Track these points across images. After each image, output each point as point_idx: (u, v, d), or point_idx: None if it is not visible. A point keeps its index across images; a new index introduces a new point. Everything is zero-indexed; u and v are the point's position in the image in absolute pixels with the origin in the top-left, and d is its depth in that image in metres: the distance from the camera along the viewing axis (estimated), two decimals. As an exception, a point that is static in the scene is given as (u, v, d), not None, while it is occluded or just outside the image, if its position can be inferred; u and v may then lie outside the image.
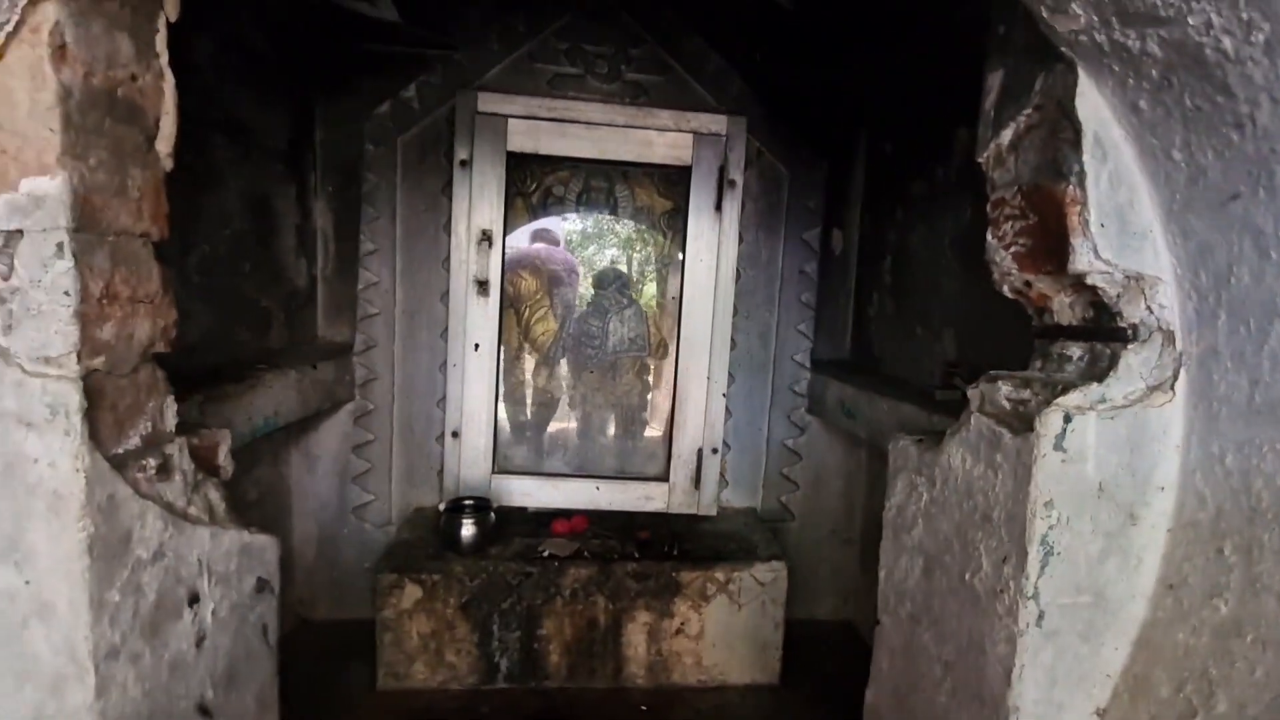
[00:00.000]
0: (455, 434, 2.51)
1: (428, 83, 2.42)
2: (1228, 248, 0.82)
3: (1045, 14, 0.85)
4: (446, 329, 2.48)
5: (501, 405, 2.63)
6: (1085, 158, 0.89)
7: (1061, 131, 0.93)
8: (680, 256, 2.58)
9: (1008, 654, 0.98)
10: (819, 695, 2.29)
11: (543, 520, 2.49)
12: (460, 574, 2.20)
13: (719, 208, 2.48)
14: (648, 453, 2.76)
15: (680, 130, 2.44)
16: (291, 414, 2.09)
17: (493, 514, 2.35)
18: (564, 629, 2.25)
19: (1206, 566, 0.90)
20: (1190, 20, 0.71)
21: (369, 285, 2.48)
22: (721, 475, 2.67)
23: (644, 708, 2.21)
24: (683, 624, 2.28)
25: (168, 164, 1.00)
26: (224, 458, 1.21)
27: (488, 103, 2.36)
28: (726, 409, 2.62)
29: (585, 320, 2.75)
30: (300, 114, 2.36)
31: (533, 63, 2.44)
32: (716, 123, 2.44)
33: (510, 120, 2.38)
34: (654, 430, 2.78)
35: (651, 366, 2.78)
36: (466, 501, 2.40)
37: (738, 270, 2.55)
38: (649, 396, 2.79)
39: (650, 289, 2.80)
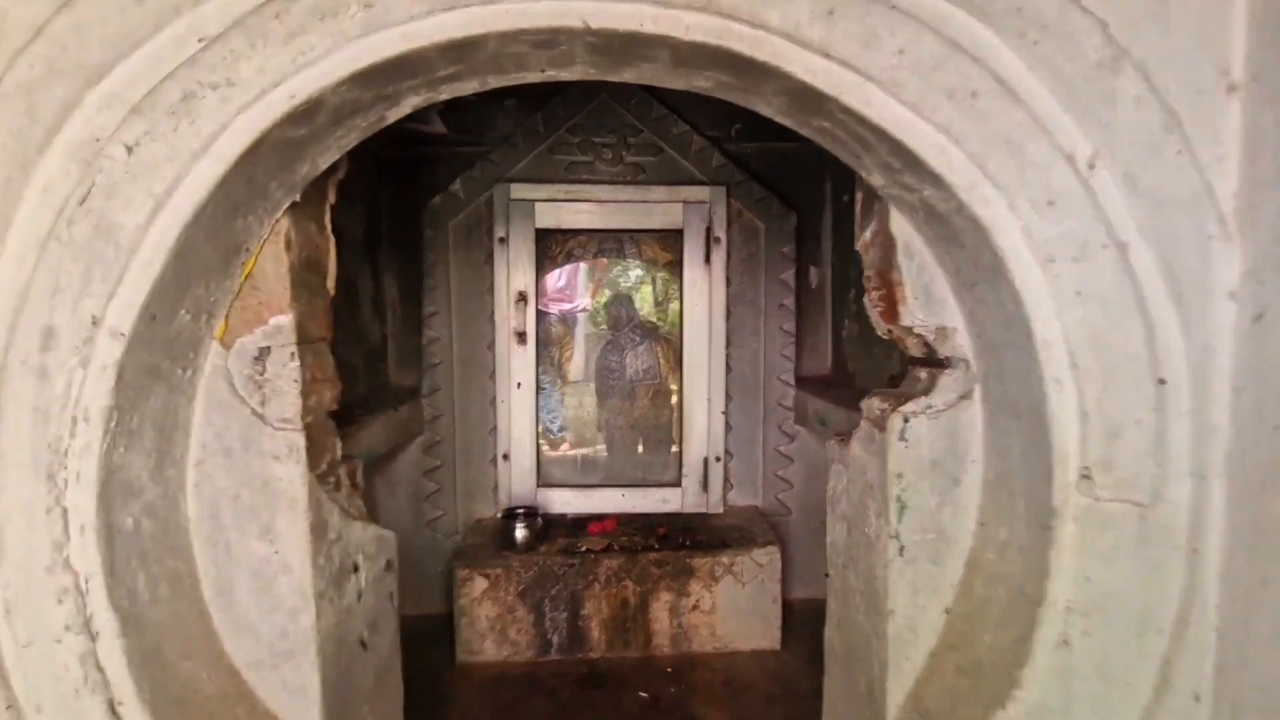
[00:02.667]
0: (505, 456, 3.09)
1: (470, 177, 3.04)
2: (982, 310, 1.35)
3: (864, 176, 1.40)
4: (494, 372, 3.08)
5: (542, 430, 3.20)
6: (899, 259, 1.43)
7: (889, 240, 1.46)
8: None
9: (885, 576, 1.50)
10: (813, 656, 2.78)
11: (580, 523, 3.05)
12: (517, 568, 2.76)
13: (708, 260, 3.04)
14: (663, 463, 3.30)
15: (672, 201, 3.02)
16: (380, 447, 2.68)
17: (539, 519, 2.91)
18: (601, 609, 2.79)
19: (998, 509, 1.41)
20: (924, 190, 1.25)
21: (431, 340, 3.09)
22: (725, 479, 3.20)
23: (669, 670, 2.73)
24: (697, 601, 2.81)
25: (331, 292, 1.60)
26: (359, 478, 1.80)
27: (518, 191, 2.97)
28: (726, 423, 3.16)
29: (605, 356, 3.32)
30: (371, 209, 3.00)
31: (552, 154, 3.05)
32: (701, 193, 3.01)
33: (537, 204, 2.99)
34: (667, 444, 3.33)
35: (663, 391, 3.33)
36: (518, 510, 2.97)
37: (728, 309, 3.10)
38: (662, 416, 3.34)
39: (659, 320, 3.36)
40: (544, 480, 3.15)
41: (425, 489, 3.14)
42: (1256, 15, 1.11)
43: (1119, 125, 1.13)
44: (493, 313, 3.04)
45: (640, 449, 3.32)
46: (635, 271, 3.43)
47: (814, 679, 2.03)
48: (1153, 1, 1.12)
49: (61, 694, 1.16)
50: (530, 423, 3.08)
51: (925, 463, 1.46)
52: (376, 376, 3.04)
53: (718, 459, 3.13)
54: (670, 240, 3.14)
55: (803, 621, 2.90)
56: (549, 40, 1.18)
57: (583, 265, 3.37)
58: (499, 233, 2.98)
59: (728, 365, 3.13)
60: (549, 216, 3.00)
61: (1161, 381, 1.17)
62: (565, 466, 3.32)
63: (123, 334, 1.14)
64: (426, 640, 2.91)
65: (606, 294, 3.48)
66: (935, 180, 1.19)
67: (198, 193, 1.13)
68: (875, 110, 1.15)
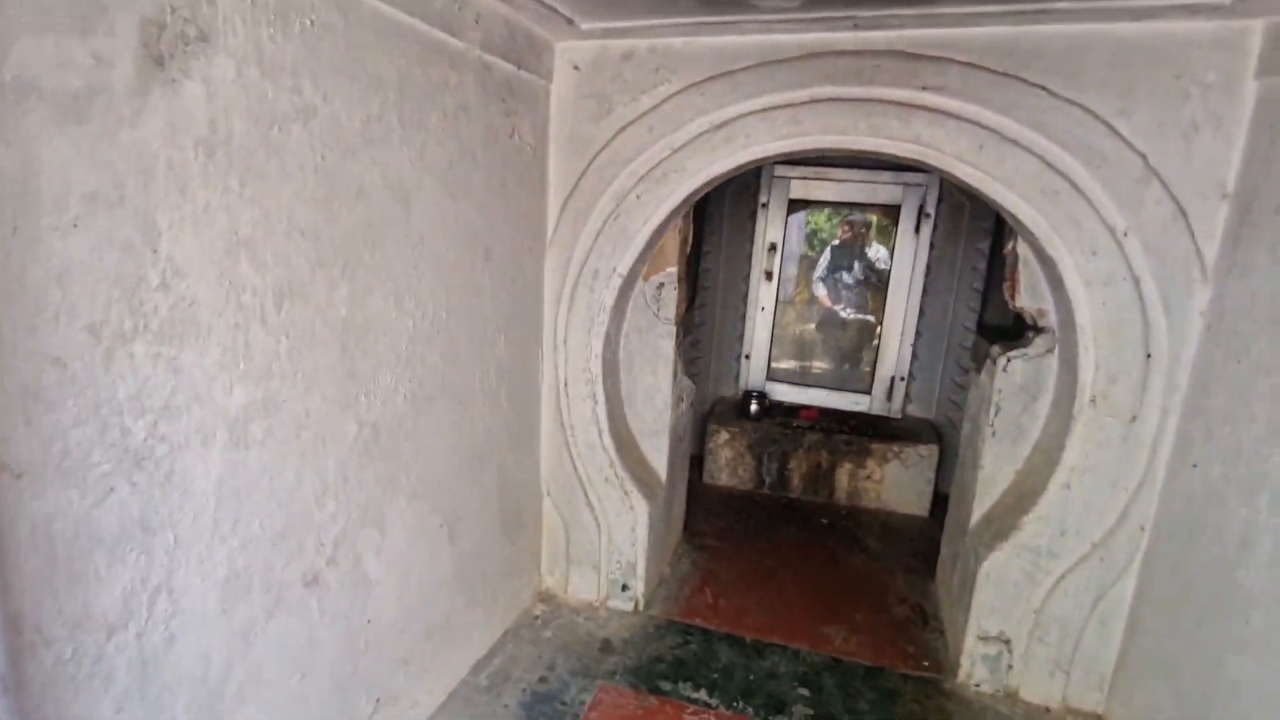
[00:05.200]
0: (746, 356, 4.47)
1: (745, 157, 4.28)
2: (1059, 302, 2.34)
3: (1004, 217, 2.43)
4: (746, 296, 4.41)
5: (774, 342, 4.52)
6: (1020, 265, 2.44)
7: (1014, 253, 2.48)
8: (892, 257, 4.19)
9: (981, 449, 2.62)
10: (952, 524, 3.89)
11: (793, 409, 4.37)
12: (748, 429, 4.18)
13: (918, 230, 4.02)
14: (859, 376, 4.47)
15: (894, 184, 4.00)
16: (671, 339, 4.18)
17: (767, 400, 4.28)
18: (802, 465, 4.13)
19: (1052, 415, 2.45)
20: (1027, 235, 2.28)
21: (704, 271, 4.49)
22: (906, 395, 4.29)
23: (843, 512, 4.02)
24: (870, 473, 4.03)
25: (688, 251, 3.00)
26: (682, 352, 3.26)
27: (779, 170, 4.15)
28: (913, 353, 4.21)
29: (829, 291, 4.49)
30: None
31: (806, 142, 4.15)
32: (918, 178, 3.95)
33: (791, 180, 4.16)
34: (865, 362, 4.47)
35: (867, 324, 4.44)
36: (753, 392, 4.36)
37: (928, 267, 4.08)
38: (864, 341, 4.47)
39: (871, 271, 4.42)
40: (771, 376, 4.48)
41: (688, 373, 4.64)
42: (1246, 154, 1.96)
43: (1145, 213, 2.07)
44: (750, 255, 4.32)
45: (844, 363, 4.49)
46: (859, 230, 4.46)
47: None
48: (1179, 142, 2.02)
49: (584, 421, 2.77)
50: (767, 335, 4.39)
51: (1016, 386, 2.53)
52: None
53: (901, 379, 4.20)
54: (890, 211, 4.11)
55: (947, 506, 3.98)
56: (822, 148, 2.38)
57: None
58: (762, 199, 4.19)
59: (921, 310, 4.12)
60: (799, 189, 4.14)
61: (1149, 355, 2.14)
62: (788, 368, 4.60)
63: (621, 274, 2.62)
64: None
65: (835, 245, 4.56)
66: (1030, 234, 2.22)
67: (660, 216, 2.54)
68: (1000, 196, 2.20)
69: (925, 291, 4.12)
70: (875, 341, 4.33)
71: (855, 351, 4.49)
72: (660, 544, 3.10)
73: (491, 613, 2.59)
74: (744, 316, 4.45)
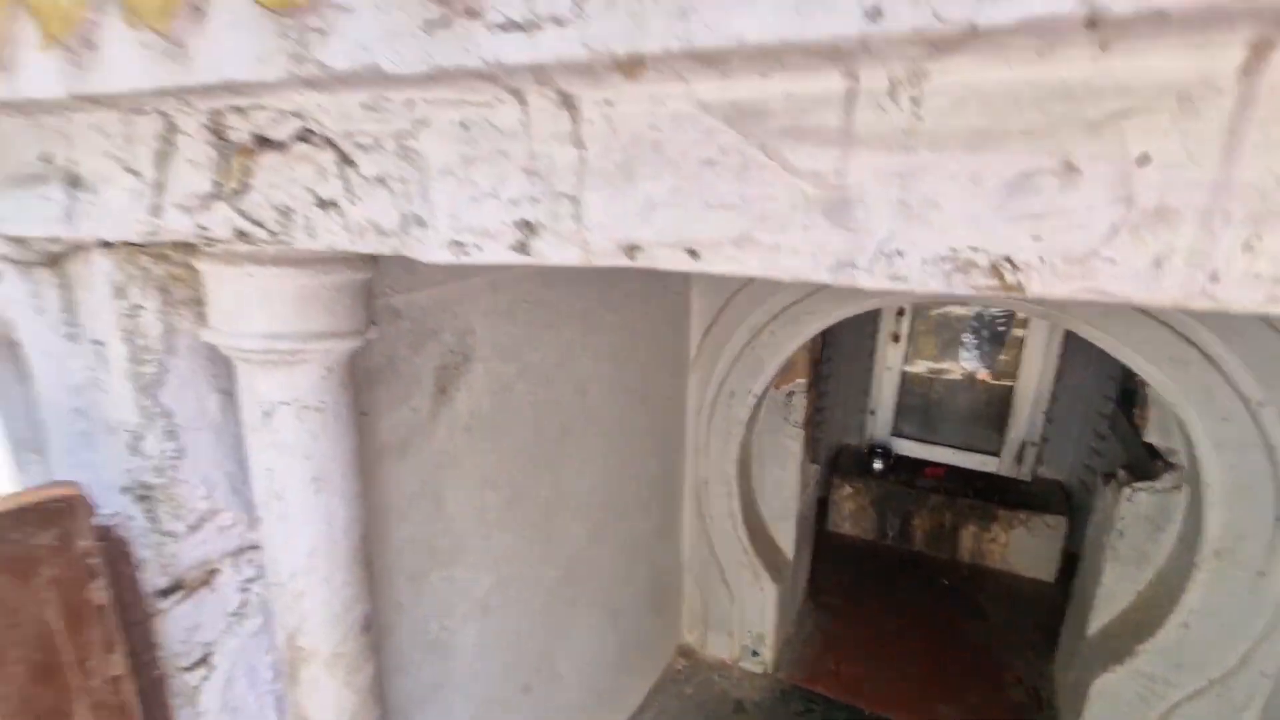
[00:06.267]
0: (872, 412, 4.65)
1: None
2: (1189, 450, 2.41)
3: (1133, 359, 2.51)
4: (873, 354, 4.57)
5: (901, 399, 4.66)
6: (1151, 405, 2.52)
7: (1147, 396, 2.55)
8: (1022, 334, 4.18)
9: (1103, 567, 2.75)
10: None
11: (919, 466, 4.53)
12: (871, 484, 4.41)
13: (1055, 300, 3.98)
14: (988, 436, 4.52)
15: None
16: (798, 397, 4.46)
17: (892, 456, 4.47)
18: (925, 523, 4.31)
19: (1182, 553, 2.54)
20: (1159, 397, 2.36)
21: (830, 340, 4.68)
22: (1038, 458, 4.31)
23: (965, 572, 4.18)
24: (995, 536, 4.14)
25: (815, 363, 3.28)
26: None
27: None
28: (1047, 416, 4.21)
29: (959, 352, 4.55)
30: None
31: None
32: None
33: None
34: (995, 422, 4.51)
35: (998, 385, 4.47)
36: (877, 448, 4.56)
37: (1065, 344, 4.04)
38: (994, 401, 4.51)
39: (1001, 338, 4.42)
40: (896, 431, 4.64)
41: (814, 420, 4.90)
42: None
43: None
44: (877, 316, 4.46)
45: (974, 424, 4.55)
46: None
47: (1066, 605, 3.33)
48: (1324, 326, 2.04)
49: (721, 512, 3.18)
50: (893, 393, 4.54)
51: (1141, 515, 2.63)
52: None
53: (1033, 444, 4.23)
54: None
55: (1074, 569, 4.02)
56: (949, 291, 2.56)
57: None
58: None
59: (1058, 374, 4.10)
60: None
61: (1277, 519, 2.20)
62: (914, 423, 4.73)
63: (755, 395, 2.96)
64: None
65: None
66: (1159, 396, 2.31)
67: (790, 349, 2.84)
68: (1127, 359, 2.31)
69: (1062, 354, 4.09)
70: (1007, 404, 4.36)
71: (986, 412, 4.53)
72: (787, 610, 3.48)
73: (643, 673, 3.12)
74: (870, 372, 4.61)
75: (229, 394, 1.13)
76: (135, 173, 0.85)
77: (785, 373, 3.13)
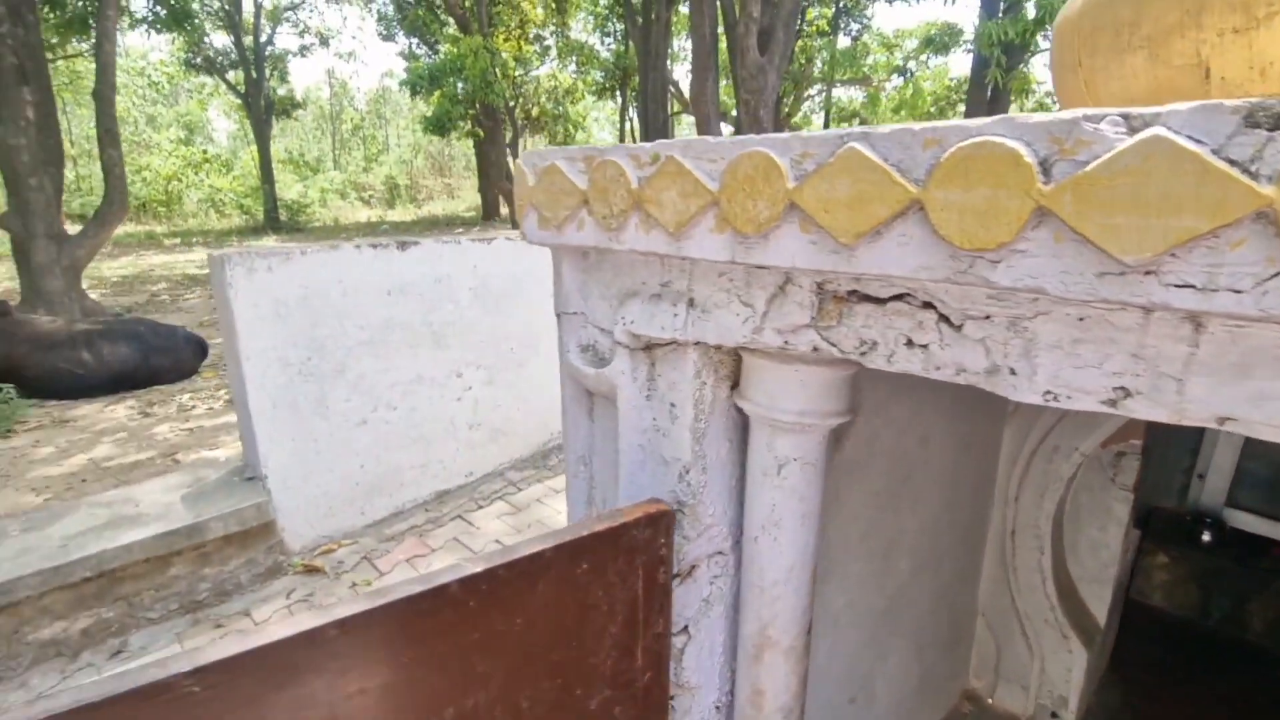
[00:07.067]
0: (1201, 475, 4.15)
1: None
2: None
3: None
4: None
5: (1242, 465, 4.09)
6: None
7: None
8: None
9: None
10: None
11: (1260, 543, 3.94)
12: (1197, 556, 3.94)
13: None
14: (1368, 521, 3.78)
15: None
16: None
17: (1225, 529, 3.96)
18: (1266, 610, 3.76)
19: None
20: None
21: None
22: None
23: (1325, 677, 3.57)
24: (1373, 642, 3.48)
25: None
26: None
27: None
28: None
29: None
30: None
31: None
32: None
33: None
34: (1379, 506, 3.76)
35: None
36: (1206, 517, 4.06)
37: None
38: (1380, 481, 3.76)
39: None
40: (1230, 500, 4.07)
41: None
42: None
43: None
44: (1215, 367, 3.97)
45: (1343, 502, 3.85)
46: None
47: None
48: None
49: (1028, 567, 3.15)
50: (1233, 457, 4.00)
51: None
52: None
53: None
54: None
55: None
56: None
57: None
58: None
59: None
60: None
61: None
62: (1257, 494, 4.11)
63: (1084, 454, 2.89)
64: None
65: None
66: None
67: (1133, 409, 2.74)
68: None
69: None
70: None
71: (1364, 492, 3.80)
72: (1092, 676, 3.31)
73: (934, 709, 3.21)
74: (1200, 430, 4.11)
75: (733, 442, 1.55)
76: (748, 305, 1.26)
77: (1118, 431, 3.00)
